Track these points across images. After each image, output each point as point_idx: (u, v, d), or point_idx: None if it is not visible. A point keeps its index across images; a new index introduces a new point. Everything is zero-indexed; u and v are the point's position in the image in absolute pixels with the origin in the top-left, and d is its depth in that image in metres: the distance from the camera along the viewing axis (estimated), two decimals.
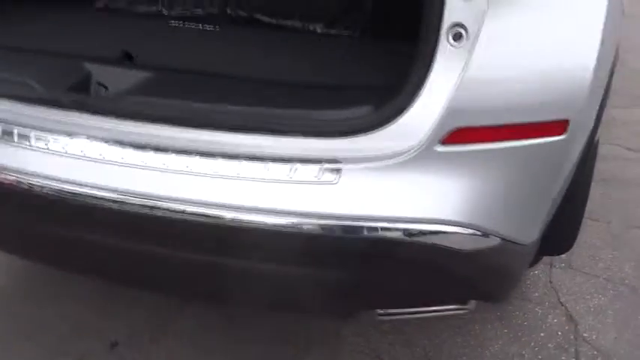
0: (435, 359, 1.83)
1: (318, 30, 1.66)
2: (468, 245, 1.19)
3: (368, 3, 1.69)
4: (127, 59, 1.46)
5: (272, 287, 1.29)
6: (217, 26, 1.69)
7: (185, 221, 1.17)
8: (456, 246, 1.18)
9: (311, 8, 1.70)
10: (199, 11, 1.78)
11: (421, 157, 1.14)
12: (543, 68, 1.10)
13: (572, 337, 1.91)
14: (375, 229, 1.15)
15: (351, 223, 1.15)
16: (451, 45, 1.10)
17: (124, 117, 1.24)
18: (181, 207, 1.17)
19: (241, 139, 1.19)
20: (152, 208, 1.18)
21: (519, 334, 1.91)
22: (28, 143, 1.31)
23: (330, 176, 1.16)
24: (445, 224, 1.15)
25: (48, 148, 1.28)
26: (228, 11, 1.76)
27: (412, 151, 1.14)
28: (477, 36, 1.09)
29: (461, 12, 1.09)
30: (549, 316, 1.97)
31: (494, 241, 1.21)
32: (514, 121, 1.11)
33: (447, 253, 1.17)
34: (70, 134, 1.28)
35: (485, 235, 1.19)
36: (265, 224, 1.16)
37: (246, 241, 1.19)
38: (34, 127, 1.30)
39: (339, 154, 1.16)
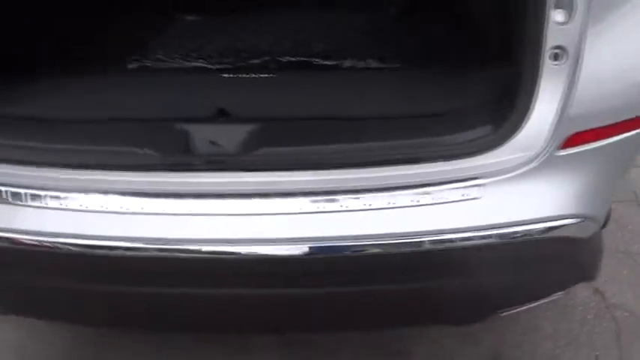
0: (502, 349, 2.01)
1: (373, 65, 1.78)
2: (586, 233, 1.37)
3: (413, 39, 1.85)
4: (223, 115, 1.47)
5: (418, 304, 1.37)
6: (273, 74, 1.74)
7: (356, 256, 1.23)
8: (580, 234, 1.35)
9: (360, 46, 1.82)
10: (253, 61, 1.82)
11: (546, 162, 1.30)
12: (637, 74, 1.32)
13: (603, 305, 2.19)
14: (521, 232, 1.29)
15: (501, 230, 1.28)
16: (553, 64, 1.29)
17: (260, 169, 1.27)
18: (356, 243, 1.23)
19: (386, 171, 1.27)
20: (319, 249, 1.23)
21: (563, 312, 2.15)
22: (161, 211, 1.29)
23: (475, 192, 1.29)
24: (572, 218, 1.33)
25: (189, 211, 1.27)
26: (280, 59, 1.82)
27: (537, 159, 1.30)
28: (576, 54, 1.28)
29: (560, 35, 1.28)
30: (578, 292, 2.24)
31: (597, 225, 1.41)
32: (615, 121, 1.32)
33: (573, 243, 1.35)
34: (203, 195, 1.28)
35: (595, 221, 1.39)
36: (425, 245, 1.25)
37: (406, 263, 1.27)
38: (166, 195, 1.29)
39: (478, 172, 1.29)
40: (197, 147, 1.35)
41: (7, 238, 1.32)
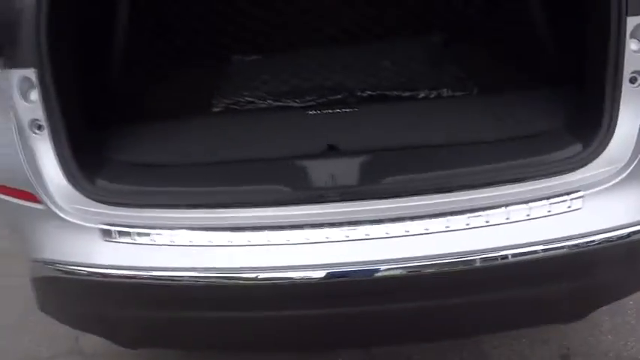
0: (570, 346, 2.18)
1: (445, 94, 1.96)
2: None
3: (470, 65, 2.04)
4: (332, 149, 1.62)
5: (541, 305, 1.54)
6: (355, 108, 1.90)
7: (494, 265, 1.40)
8: None
9: (425, 76, 2.00)
10: (334, 97, 1.97)
11: (634, 173, 1.49)
12: None
13: None
14: (618, 236, 1.47)
15: (602, 235, 1.46)
16: (632, 87, 1.48)
17: (391, 196, 1.43)
18: (496, 254, 1.40)
19: (500, 190, 1.44)
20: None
21: (617, 308, 2.33)
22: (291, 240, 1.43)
23: (577, 204, 1.46)
24: None
25: (327, 239, 1.42)
26: (358, 94, 1.98)
27: (626, 170, 1.49)
28: None
29: (636, 61, 1.47)
30: None
31: None
32: None
33: None
34: (337, 223, 1.43)
35: None
36: (546, 253, 1.42)
37: (529, 271, 1.44)
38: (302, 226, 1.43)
39: (577, 185, 1.47)
40: (323, 180, 1.49)
41: (161, 276, 1.44)
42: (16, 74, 1.51)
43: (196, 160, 1.65)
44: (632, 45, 1.46)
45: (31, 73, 1.50)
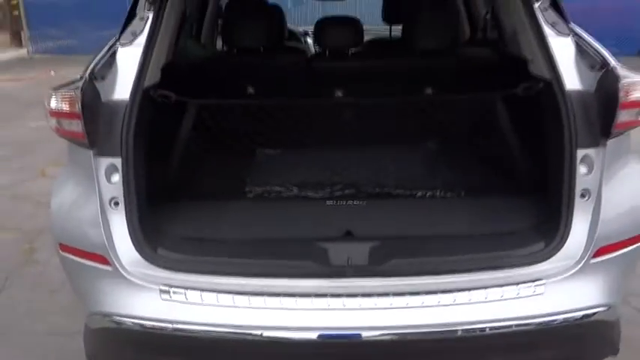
0: None
1: (437, 194, 2.40)
2: (613, 317, 1.94)
3: (459, 170, 2.50)
4: (349, 234, 2.03)
5: None
6: (364, 201, 2.33)
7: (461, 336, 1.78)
8: (609, 318, 1.92)
9: (422, 178, 2.45)
10: (347, 192, 2.40)
11: (584, 267, 1.90)
12: (638, 207, 1.97)
13: None
14: (572, 317, 1.86)
15: (560, 316, 1.84)
16: (582, 201, 1.93)
17: (399, 275, 1.82)
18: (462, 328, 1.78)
19: (483, 275, 1.84)
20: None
21: None
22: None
23: (540, 289, 1.86)
24: (605, 306, 1.91)
25: (343, 306, 1.79)
26: (367, 190, 2.42)
27: (578, 265, 1.90)
28: (597, 193, 1.92)
29: (585, 182, 1.93)
30: None
31: (618, 311, 2.00)
32: (628, 237, 1.95)
33: (605, 324, 1.91)
34: (354, 294, 1.81)
35: (618, 307, 1.97)
36: (517, 328, 1.80)
37: (502, 341, 1.83)
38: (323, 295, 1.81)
39: (541, 275, 1.87)
40: (342, 259, 1.89)
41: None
42: (105, 161, 1.93)
43: (236, 237, 2.04)
44: (581, 169, 1.93)
45: (116, 161, 1.92)
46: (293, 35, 5.45)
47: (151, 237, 1.96)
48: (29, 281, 3.24)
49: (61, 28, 13.70)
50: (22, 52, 13.57)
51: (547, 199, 2.06)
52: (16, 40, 14.08)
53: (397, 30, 4.61)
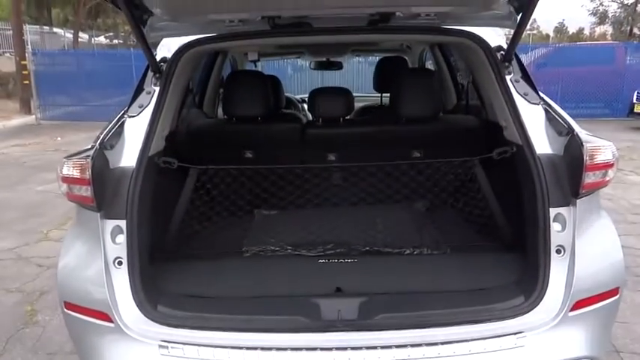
0: None
1: (425, 252, 2.52)
2: None
3: (445, 229, 2.64)
4: (339, 291, 2.14)
5: None
6: (355, 259, 2.45)
7: None
8: None
9: (410, 237, 2.59)
10: (338, 250, 2.52)
11: (563, 320, 2.00)
12: (611, 261, 2.09)
13: None
14: None
15: None
16: (557, 256, 2.05)
17: (385, 329, 1.92)
18: None
19: (464, 329, 1.94)
20: None
21: None
22: None
23: (521, 341, 1.95)
24: (585, 358, 1.99)
25: None
26: (358, 248, 2.54)
27: (557, 318, 2.00)
28: (571, 249, 2.05)
29: (559, 238, 2.06)
30: None
31: None
32: (604, 290, 2.05)
33: None
34: (344, 347, 1.90)
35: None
36: None
37: None
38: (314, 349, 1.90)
39: (521, 327, 1.97)
40: (332, 314, 1.99)
41: None
42: (111, 223, 2.07)
43: (232, 295, 2.15)
44: (555, 227, 2.07)
45: (121, 223, 2.07)
46: (290, 102, 5.74)
47: (151, 295, 2.07)
48: (29, 344, 3.30)
49: (69, 96, 14.26)
50: (31, 118, 14.03)
51: (525, 255, 2.18)
52: (26, 108, 14.59)
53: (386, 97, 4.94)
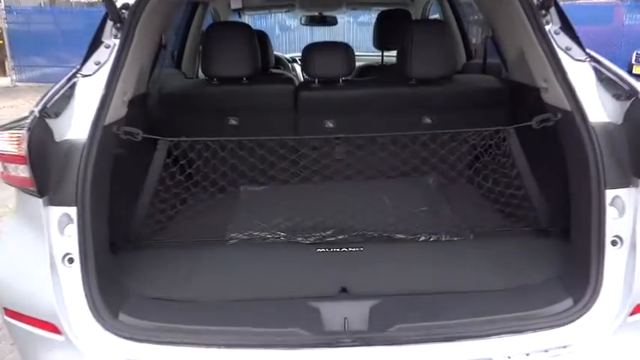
0: None
1: (443, 238, 2.13)
2: None
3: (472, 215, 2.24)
4: (344, 291, 1.74)
5: None
6: (361, 247, 2.04)
7: None
8: None
9: (424, 221, 2.19)
10: (341, 237, 2.12)
11: (621, 327, 1.62)
12: None
13: None
14: None
15: None
16: (613, 248, 1.66)
17: (399, 343, 1.53)
18: None
19: (499, 341, 1.56)
20: None
21: None
22: None
23: (570, 356, 1.58)
24: None
25: None
26: (365, 233, 2.14)
27: (613, 325, 1.62)
28: (632, 241, 1.66)
29: (616, 227, 1.67)
30: None
31: None
32: None
33: None
34: None
35: None
36: None
37: None
38: None
39: (571, 339, 1.59)
40: (337, 323, 1.60)
41: None
42: (57, 211, 1.64)
43: (214, 298, 1.75)
44: (611, 213, 1.67)
45: (71, 211, 1.64)
46: (280, 62, 5.23)
47: (111, 299, 1.66)
48: None
49: (46, 57, 13.51)
50: (6, 80, 13.33)
51: (571, 246, 1.79)
52: (0, 69, 13.84)
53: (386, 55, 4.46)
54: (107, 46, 1.89)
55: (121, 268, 1.82)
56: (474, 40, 4.00)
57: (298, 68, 5.19)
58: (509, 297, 1.71)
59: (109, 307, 1.64)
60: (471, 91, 2.64)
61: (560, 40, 1.90)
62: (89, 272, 1.63)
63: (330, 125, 2.63)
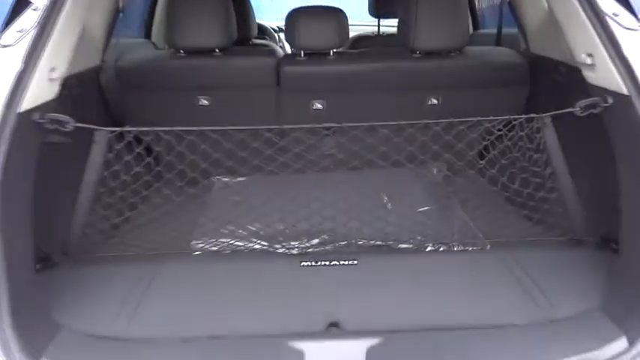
0: None
1: (455, 248, 1.75)
2: None
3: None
4: (334, 326, 1.37)
5: None
6: (354, 259, 1.67)
7: None
8: None
9: (436, 229, 1.81)
10: (331, 246, 1.74)
11: None
12: None
13: None
14: None
15: None
16: None
17: None
18: None
19: None
20: None
21: None
22: None
23: None
24: None
25: None
26: (358, 243, 1.76)
27: None
28: None
29: None
30: None
31: None
32: None
33: None
34: None
35: None
36: None
37: None
38: None
39: None
40: None
41: None
42: None
43: (171, 335, 1.36)
44: None
45: None
46: (265, 32, 4.75)
47: (32, 337, 1.27)
48: None
49: None
50: None
51: (622, 264, 1.43)
52: None
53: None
54: (35, 9, 1.46)
55: (50, 293, 1.43)
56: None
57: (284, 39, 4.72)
58: (545, 334, 1.34)
59: (28, 348, 1.24)
60: (486, 67, 2.24)
61: (606, 5, 1.49)
62: (0, 299, 1.24)
63: (319, 106, 2.22)
